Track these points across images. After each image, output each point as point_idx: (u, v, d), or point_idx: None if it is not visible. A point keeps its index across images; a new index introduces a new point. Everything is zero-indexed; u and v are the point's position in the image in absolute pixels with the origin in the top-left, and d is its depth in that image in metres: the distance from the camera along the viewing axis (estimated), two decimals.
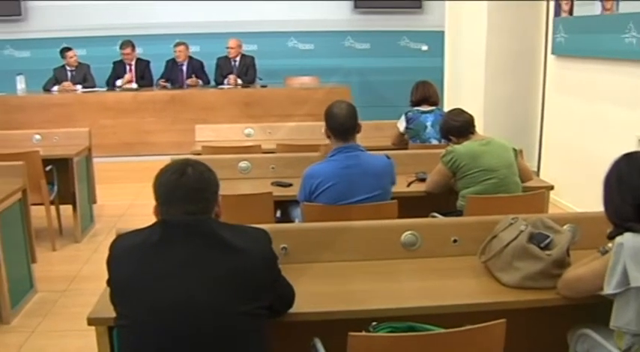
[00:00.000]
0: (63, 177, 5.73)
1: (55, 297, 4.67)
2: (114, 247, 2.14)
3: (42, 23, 10.11)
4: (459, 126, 4.13)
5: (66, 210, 5.97)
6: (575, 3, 6.17)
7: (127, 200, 7.05)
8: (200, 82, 9.09)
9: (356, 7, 10.03)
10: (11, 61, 10.22)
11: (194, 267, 1.99)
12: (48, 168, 5.56)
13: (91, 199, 6.36)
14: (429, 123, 5.36)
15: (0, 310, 4.25)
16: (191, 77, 9.06)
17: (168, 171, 2.12)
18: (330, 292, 2.55)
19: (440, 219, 3.57)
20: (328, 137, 3.59)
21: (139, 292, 2.00)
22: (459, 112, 4.22)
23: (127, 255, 2.08)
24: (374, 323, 2.29)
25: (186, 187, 2.08)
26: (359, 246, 2.88)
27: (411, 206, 3.65)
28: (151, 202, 6.40)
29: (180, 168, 2.11)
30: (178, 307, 1.94)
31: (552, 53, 6.79)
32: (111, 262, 2.12)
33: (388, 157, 3.64)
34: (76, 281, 4.98)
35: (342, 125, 3.51)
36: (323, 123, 5.96)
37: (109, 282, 2.12)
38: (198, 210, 2.06)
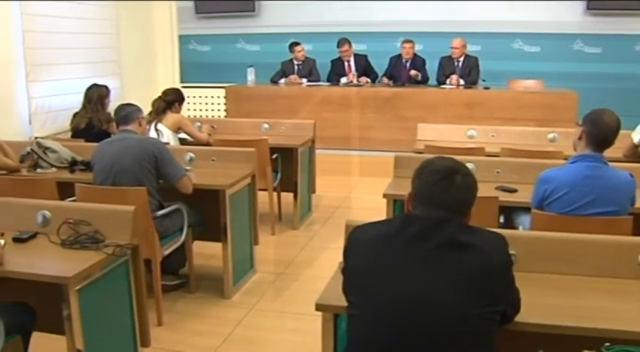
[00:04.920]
0: (287, 166, 5.98)
1: (271, 279, 4.89)
2: (352, 237, 2.17)
3: (272, 19, 10.64)
4: None
5: (286, 197, 6.23)
6: None
7: (343, 192, 7.23)
8: (420, 75, 9.03)
9: (588, 8, 9.48)
10: (243, 54, 10.86)
11: (432, 266, 1.97)
12: (274, 156, 5.83)
13: (311, 189, 6.58)
14: None
15: (223, 286, 4.53)
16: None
17: (437, 174, 2.08)
18: (559, 305, 2.43)
19: None
20: (579, 139, 3.40)
21: (374, 284, 2.01)
22: None
23: (365, 246, 2.10)
24: (607, 344, 2.15)
25: (451, 199, 2.05)
26: (591, 260, 2.72)
27: None
28: (366, 196, 6.50)
29: (449, 176, 2.07)
30: (413, 304, 1.94)
31: None
32: (348, 252, 2.16)
33: (632, 176, 3.40)
34: (292, 266, 5.18)
35: (607, 136, 3.34)
36: (551, 129, 5.82)
37: (344, 271, 2.16)
38: (450, 217, 2.04)
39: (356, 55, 9.43)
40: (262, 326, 4.15)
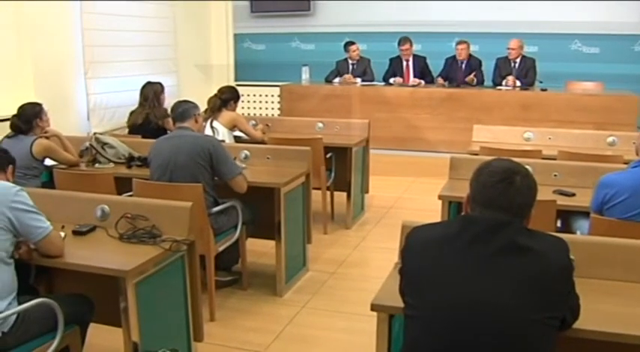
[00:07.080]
0: (340, 165, 5.96)
1: (324, 278, 4.88)
2: (410, 238, 2.14)
3: (327, 18, 10.68)
4: None
5: (339, 196, 6.21)
6: None
7: (396, 192, 7.18)
8: (476, 79, 8.94)
9: None
10: (298, 53, 10.93)
11: (491, 269, 1.94)
12: (328, 155, 5.82)
13: (364, 189, 6.55)
14: None
15: (275, 283, 4.55)
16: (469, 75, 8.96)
17: (496, 175, 2.04)
18: (618, 312, 2.37)
19: None
20: None
21: (431, 286, 2.00)
22: None
23: (424, 247, 2.07)
24: None
25: (511, 200, 2.01)
26: None
27: None
28: (420, 197, 6.47)
29: (508, 177, 2.03)
30: (471, 307, 1.91)
31: None
32: (406, 253, 2.13)
33: None
34: (344, 265, 5.16)
35: None
36: (610, 133, 5.69)
37: (402, 272, 2.14)
38: (511, 220, 2.00)
39: (415, 56, 9.35)
40: (314, 325, 4.15)
